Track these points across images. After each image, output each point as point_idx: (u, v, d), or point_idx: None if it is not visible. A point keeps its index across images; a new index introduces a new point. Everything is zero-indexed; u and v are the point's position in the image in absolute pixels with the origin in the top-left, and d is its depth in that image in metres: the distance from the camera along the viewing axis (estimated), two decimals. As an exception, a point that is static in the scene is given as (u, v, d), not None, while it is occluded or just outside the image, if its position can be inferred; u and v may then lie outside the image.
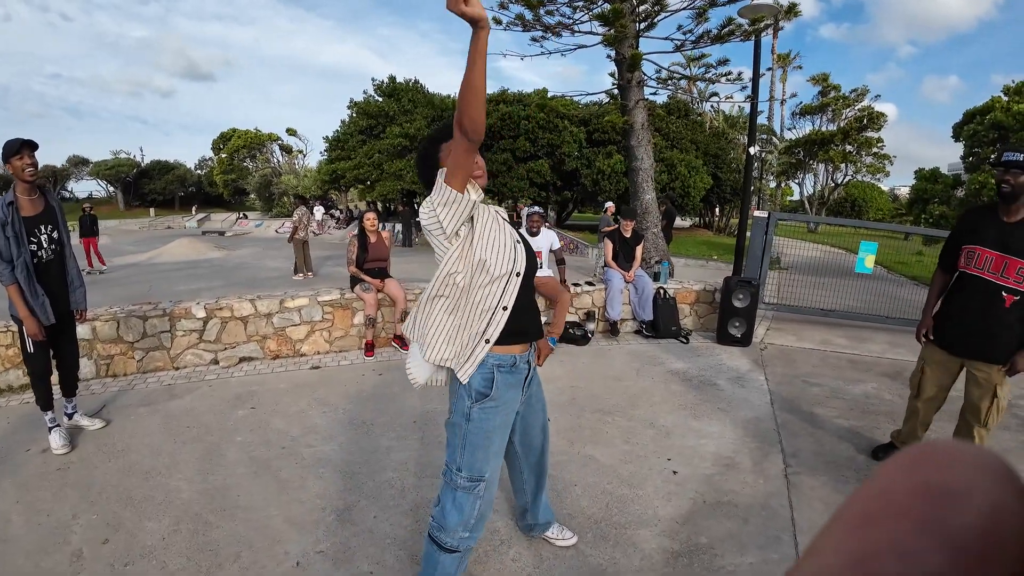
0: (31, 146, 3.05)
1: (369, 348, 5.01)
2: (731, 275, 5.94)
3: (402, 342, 5.13)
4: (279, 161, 36.96)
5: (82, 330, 4.46)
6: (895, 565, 0.18)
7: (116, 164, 43.35)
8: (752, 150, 8.57)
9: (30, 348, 3.20)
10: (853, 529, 0.20)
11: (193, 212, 36.95)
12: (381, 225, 5.64)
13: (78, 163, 44.54)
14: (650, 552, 2.34)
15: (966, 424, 2.92)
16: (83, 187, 47.89)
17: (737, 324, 5.51)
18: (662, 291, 5.78)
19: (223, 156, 38.14)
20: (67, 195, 46.37)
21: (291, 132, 35.04)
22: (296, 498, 2.76)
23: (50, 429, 3.29)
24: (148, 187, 43.66)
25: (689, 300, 6.05)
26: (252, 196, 36.35)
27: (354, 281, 5.16)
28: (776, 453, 3.27)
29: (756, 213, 6.61)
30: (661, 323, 5.62)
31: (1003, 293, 2.57)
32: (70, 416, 3.53)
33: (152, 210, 38.98)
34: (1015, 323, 2.61)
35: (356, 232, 5.29)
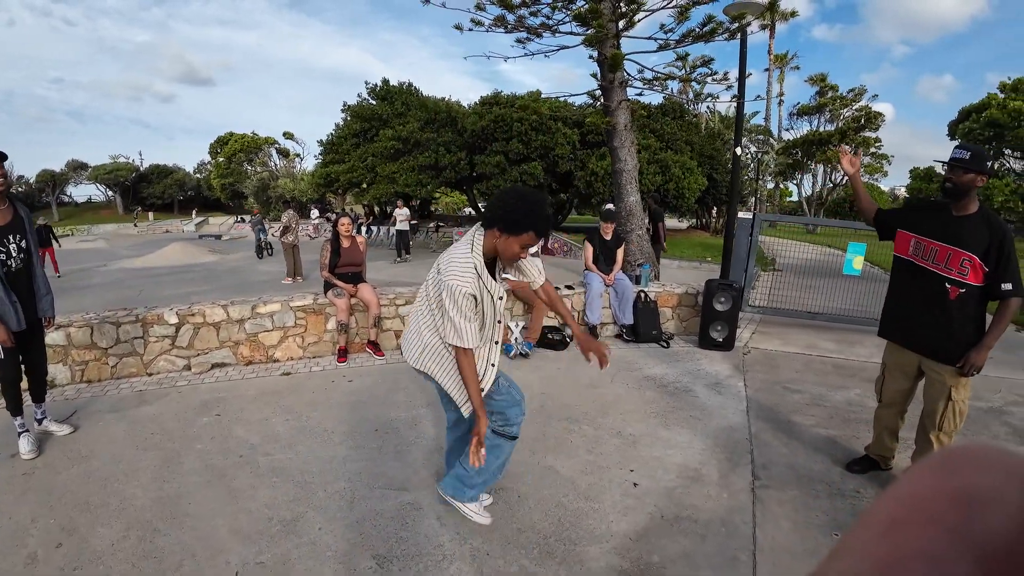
0: (1, 156, 3.06)
1: (342, 354, 4.95)
2: (713, 278, 5.86)
3: (375, 348, 5.06)
4: (276, 164, 37.00)
5: (57, 336, 4.47)
6: (923, 571, 0.17)
7: (115, 168, 43.44)
8: (738, 150, 8.52)
9: (0, 355, 3.22)
10: (881, 533, 0.19)
11: (193, 216, 36.99)
12: (367, 229, 5.57)
13: (77, 167, 44.63)
14: (597, 570, 2.26)
15: (923, 430, 2.87)
16: (82, 191, 48.08)
17: (719, 328, 5.43)
18: (643, 294, 5.71)
19: (220, 160, 38.19)
20: (66, 199, 46.48)
21: (288, 136, 35.12)
22: (244, 508, 2.71)
23: (19, 434, 3.35)
24: (147, 191, 43.75)
25: (671, 303, 5.97)
26: (250, 200, 36.38)
27: (327, 286, 5.10)
28: (745, 465, 3.18)
29: (740, 215, 6.54)
30: (641, 327, 5.54)
31: (947, 284, 2.58)
32: (39, 422, 3.58)
33: (151, 214, 39.02)
34: (966, 320, 2.58)
35: (330, 236, 5.23)
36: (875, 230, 3.02)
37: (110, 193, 45.74)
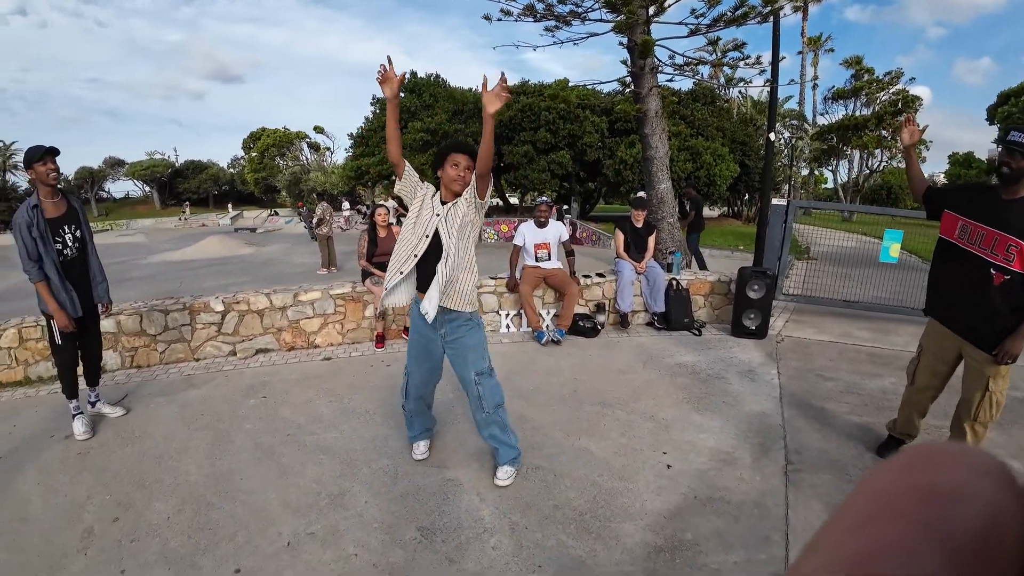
0: (53, 152, 3.28)
1: (379, 340, 5.10)
2: (746, 266, 5.82)
3: (411, 334, 5.20)
4: (308, 158, 37.63)
5: (107, 323, 4.69)
6: (893, 567, 0.18)
7: (151, 164, 44.75)
8: (772, 136, 8.37)
9: (58, 340, 3.41)
10: (851, 530, 0.20)
11: (229, 210, 37.86)
12: (397, 220, 5.71)
13: (114, 164, 46.15)
14: (632, 546, 2.33)
15: (958, 419, 2.82)
16: (119, 187, 49.69)
17: (752, 316, 5.40)
18: (675, 282, 5.71)
19: (253, 155, 39.01)
20: (104, 195, 48.06)
21: (318, 130, 35.62)
22: (294, 483, 2.85)
23: (74, 416, 3.51)
24: (183, 186, 44.96)
25: (703, 291, 5.96)
26: (283, 193, 37.12)
27: (365, 274, 5.25)
28: (778, 449, 3.19)
29: (775, 201, 6.45)
30: (673, 315, 5.55)
31: (992, 270, 2.49)
32: (93, 404, 3.74)
33: (187, 207, 40.05)
34: (1008, 308, 2.50)
35: (367, 227, 5.38)
36: (924, 208, 2.91)
37: (147, 189, 47.22)
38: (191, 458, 3.17)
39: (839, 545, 0.20)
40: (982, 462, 0.20)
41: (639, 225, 5.74)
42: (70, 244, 3.38)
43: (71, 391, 3.51)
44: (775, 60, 8.55)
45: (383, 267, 5.20)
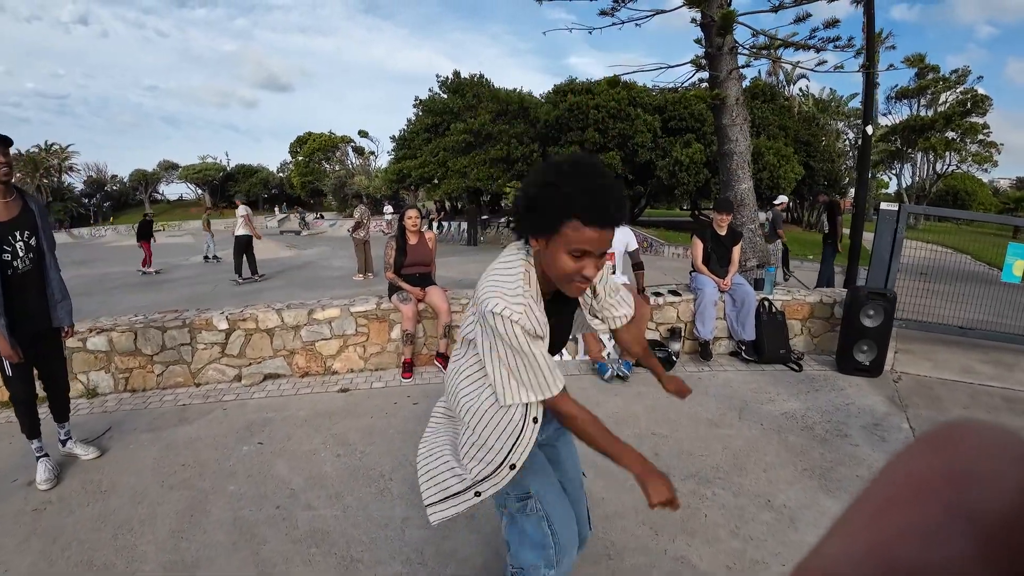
0: (5, 142, 2.65)
1: (407, 368, 4.26)
2: (855, 284, 4.73)
3: (445, 362, 4.34)
4: (352, 162, 37.69)
5: (99, 341, 4.15)
6: (919, 549, 0.17)
7: (203, 168, 45.93)
8: (869, 129, 7.21)
9: (8, 371, 2.82)
10: (876, 512, 0.19)
11: (276, 212, 38.27)
12: (438, 225, 4.83)
13: (168, 167, 47.69)
14: None
15: None
16: (173, 190, 51.48)
17: (865, 348, 4.33)
18: (766, 303, 4.65)
19: (300, 159, 39.35)
20: (159, 197, 49.82)
21: (363, 134, 35.61)
22: (271, 597, 2.02)
23: (37, 459, 2.97)
24: (234, 189, 45.95)
25: (801, 315, 4.86)
26: (329, 197, 37.24)
27: (392, 289, 4.43)
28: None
29: (884, 205, 5.32)
30: (766, 344, 4.49)
31: None
32: (63, 443, 3.18)
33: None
34: None
35: (395, 232, 4.55)
36: None
37: (199, 191, 48.53)
38: (153, 534, 2.44)
39: (863, 527, 0.18)
40: (1012, 443, 0.19)
41: (722, 232, 4.71)
42: (22, 254, 2.75)
43: (31, 430, 2.97)
44: (870, 40, 7.38)
45: (413, 280, 4.37)
